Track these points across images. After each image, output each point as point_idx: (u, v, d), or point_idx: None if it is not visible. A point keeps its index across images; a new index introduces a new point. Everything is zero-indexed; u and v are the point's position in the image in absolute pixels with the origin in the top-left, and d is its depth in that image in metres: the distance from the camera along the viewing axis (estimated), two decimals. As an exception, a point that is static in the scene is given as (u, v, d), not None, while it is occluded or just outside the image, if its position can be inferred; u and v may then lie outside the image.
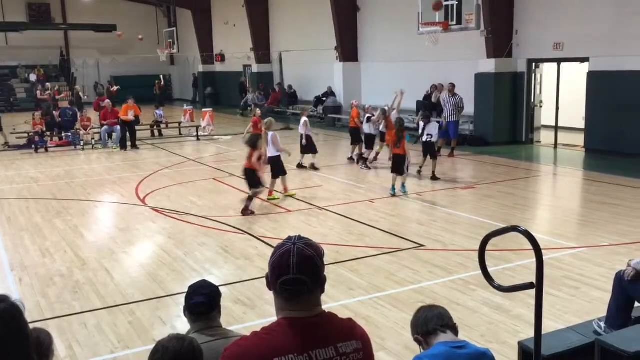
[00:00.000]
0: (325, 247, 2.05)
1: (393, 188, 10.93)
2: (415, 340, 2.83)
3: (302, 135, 13.69)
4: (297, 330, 1.92)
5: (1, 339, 1.63)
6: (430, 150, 12.40)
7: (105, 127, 18.35)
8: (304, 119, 13.74)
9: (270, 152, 10.70)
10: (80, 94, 27.45)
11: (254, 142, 10.11)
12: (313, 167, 13.74)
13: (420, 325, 2.77)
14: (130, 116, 17.85)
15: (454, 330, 2.74)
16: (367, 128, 14.05)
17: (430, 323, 2.73)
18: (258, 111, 13.91)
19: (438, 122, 14.30)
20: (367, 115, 14.06)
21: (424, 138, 12.37)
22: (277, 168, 10.90)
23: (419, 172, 12.53)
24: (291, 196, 11.00)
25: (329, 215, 9.73)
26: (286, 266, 1.91)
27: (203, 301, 3.03)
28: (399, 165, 10.88)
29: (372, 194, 11.23)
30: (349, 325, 2.06)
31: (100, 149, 17.93)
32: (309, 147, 13.66)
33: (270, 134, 10.85)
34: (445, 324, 2.73)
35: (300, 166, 13.83)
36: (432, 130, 12.36)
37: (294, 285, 1.91)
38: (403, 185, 10.98)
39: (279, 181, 11.01)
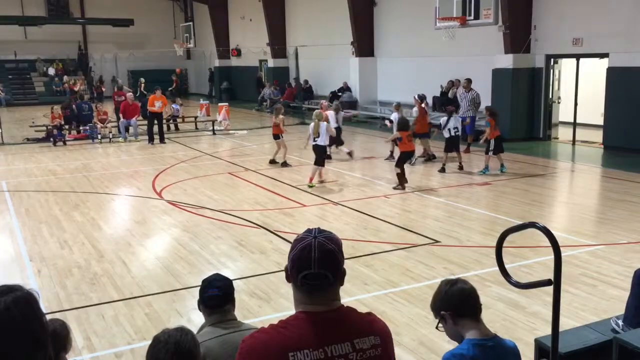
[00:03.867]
0: (340, 241, 2.05)
1: (487, 168, 12.24)
2: (439, 316, 2.62)
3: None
4: (314, 324, 1.92)
5: (17, 326, 1.63)
6: (456, 145, 12.76)
7: (123, 120, 18.48)
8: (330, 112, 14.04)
9: (322, 140, 11.46)
10: (129, 90, 26.35)
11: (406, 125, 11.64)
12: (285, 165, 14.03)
13: (454, 302, 2.56)
14: (157, 107, 17.70)
15: (481, 310, 2.63)
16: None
17: (467, 305, 2.56)
18: (281, 116, 13.71)
19: (461, 117, 14.32)
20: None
21: (452, 132, 12.60)
22: (322, 157, 11.66)
23: (444, 169, 12.55)
24: (312, 187, 11.34)
25: (344, 210, 9.74)
26: (307, 260, 1.90)
27: (217, 294, 3.05)
28: (501, 146, 12.15)
29: (387, 189, 11.22)
30: (368, 320, 2.04)
31: (121, 142, 18.09)
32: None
33: (324, 124, 11.51)
34: (479, 308, 2.58)
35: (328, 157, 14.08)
36: (457, 124, 12.70)
37: (315, 280, 1.91)
38: (502, 165, 12.26)
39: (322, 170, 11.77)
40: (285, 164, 13.61)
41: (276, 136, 13.74)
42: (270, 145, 17.52)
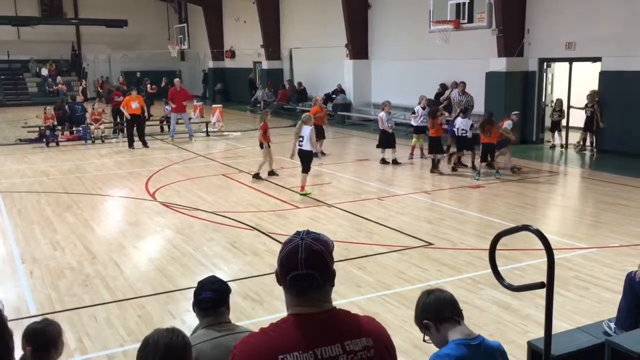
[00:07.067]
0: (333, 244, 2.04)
1: (479, 174, 11.99)
2: (422, 325, 2.66)
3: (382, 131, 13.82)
4: (303, 327, 1.92)
5: None
6: (465, 145, 12.98)
7: (173, 114, 18.74)
8: (381, 113, 13.80)
9: (306, 146, 10.64)
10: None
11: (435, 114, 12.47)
12: (395, 162, 13.74)
13: (433, 310, 2.63)
14: (135, 107, 16.75)
15: (462, 316, 2.69)
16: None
17: (445, 309, 2.62)
18: (268, 116, 12.73)
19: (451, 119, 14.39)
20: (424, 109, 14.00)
21: (459, 133, 12.80)
22: (308, 163, 10.91)
23: (455, 168, 13.05)
24: (305, 194, 10.82)
25: (337, 213, 9.74)
26: (294, 262, 1.91)
27: (211, 296, 3.05)
28: (489, 153, 11.92)
29: (381, 192, 11.23)
30: (361, 321, 2.03)
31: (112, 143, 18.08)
32: (385, 142, 13.79)
33: (308, 128, 10.64)
34: (459, 311, 2.65)
35: (383, 161, 13.87)
36: (465, 126, 12.76)
37: (302, 280, 1.91)
38: (497, 171, 12.05)
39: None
40: (272, 173, 12.46)
41: (261, 145, 12.36)
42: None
